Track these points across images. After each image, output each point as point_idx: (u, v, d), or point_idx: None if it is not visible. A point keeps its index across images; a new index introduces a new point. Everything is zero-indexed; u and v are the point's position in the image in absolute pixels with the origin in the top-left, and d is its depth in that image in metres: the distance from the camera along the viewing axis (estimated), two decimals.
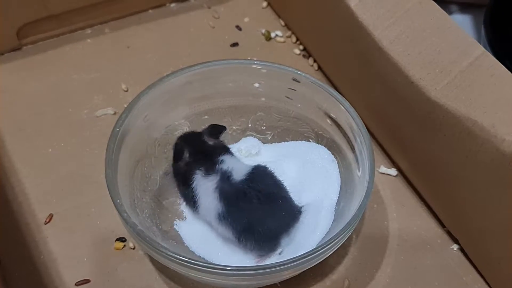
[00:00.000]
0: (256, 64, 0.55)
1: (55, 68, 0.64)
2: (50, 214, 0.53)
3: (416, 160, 0.54)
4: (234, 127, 0.57)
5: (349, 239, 0.53)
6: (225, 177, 0.49)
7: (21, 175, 0.56)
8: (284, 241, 0.49)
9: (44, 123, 0.59)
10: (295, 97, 0.55)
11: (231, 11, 0.71)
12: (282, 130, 0.57)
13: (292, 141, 0.57)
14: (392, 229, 0.54)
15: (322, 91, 0.53)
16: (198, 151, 0.50)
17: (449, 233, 0.54)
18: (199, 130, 0.53)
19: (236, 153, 0.54)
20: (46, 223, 0.53)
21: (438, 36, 0.50)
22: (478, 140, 0.45)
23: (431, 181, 0.53)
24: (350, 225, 0.46)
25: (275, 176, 0.50)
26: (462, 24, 0.70)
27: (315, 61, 0.66)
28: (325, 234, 0.50)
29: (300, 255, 0.44)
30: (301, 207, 0.50)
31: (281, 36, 0.69)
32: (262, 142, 0.57)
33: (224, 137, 0.56)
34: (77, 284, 0.49)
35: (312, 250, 0.44)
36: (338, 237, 0.45)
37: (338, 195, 0.53)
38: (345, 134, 0.53)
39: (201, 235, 0.51)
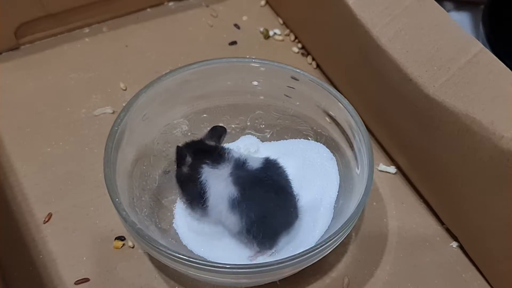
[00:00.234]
0: (254, 62, 0.55)
1: (53, 67, 0.64)
2: (49, 213, 0.53)
3: (415, 157, 0.54)
4: (233, 126, 0.57)
5: (349, 236, 0.53)
6: (240, 163, 0.49)
7: (19, 174, 0.55)
8: (284, 239, 0.49)
9: (43, 122, 0.59)
10: (293, 95, 0.55)
11: (230, 9, 0.71)
12: (281, 128, 0.57)
13: (291, 139, 0.57)
14: (391, 227, 0.54)
15: (321, 89, 0.53)
16: (200, 150, 0.50)
17: (448, 230, 0.54)
18: (199, 137, 0.52)
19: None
20: (45, 222, 0.53)
21: (436, 34, 0.50)
22: (477, 137, 0.45)
23: (430, 179, 0.53)
24: (349, 223, 0.46)
25: (286, 171, 0.50)
26: (460, 22, 0.70)
27: (313, 59, 0.66)
28: (324, 232, 0.50)
29: (299, 253, 0.44)
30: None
31: (280, 35, 0.69)
32: (261, 141, 0.57)
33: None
34: (77, 283, 0.49)
35: (311, 248, 0.44)
36: (337, 235, 0.45)
37: (337, 193, 0.53)
38: (344, 132, 0.53)
39: (199, 233, 0.51)
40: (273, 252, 0.49)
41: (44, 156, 0.57)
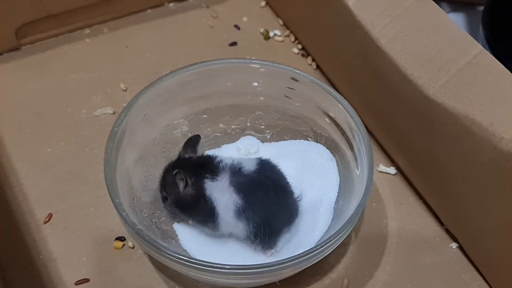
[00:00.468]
0: (254, 63, 0.55)
1: (54, 68, 0.64)
2: (49, 214, 0.53)
3: (415, 158, 0.54)
4: (233, 126, 0.57)
5: (348, 237, 0.53)
6: (236, 169, 0.48)
7: (20, 174, 0.56)
8: (285, 237, 0.49)
9: (43, 123, 0.59)
10: (293, 96, 0.55)
11: (230, 10, 0.71)
12: (281, 129, 0.57)
13: (291, 140, 0.57)
14: (391, 228, 0.54)
15: (321, 90, 0.53)
16: (196, 166, 0.49)
17: (448, 231, 0.54)
18: (175, 157, 0.51)
19: (235, 152, 0.54)
20: (45, 222, 0.53)
21: (436, 35, 0.50)
22: (476, 138, 0.45)
23: (430, 180, 0.53)
24: (349, 223, 0.46)
25: (281, 169, 0.50)
26: (459, 23, 0.70)
27: (313, 60, 0.66)
28: (324, 233, 0.50)
29: (299, 254, 0.44)
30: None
31: (280, 35, 0.69)
32: (261, 141, 0.57)
33: (223, 136, 0.57)
34: (77, 283, 0.49)
35: (311, 248, 0.44)
36: (337, 236, 0.45)
37: (337, 194, 0.53)
38: (343, 133, 0.53)
39: (199, 234, 0.51)
40: (273, 253, 0.49)
41: (45, 156, 0.57)
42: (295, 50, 0.67)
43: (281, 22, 0.70)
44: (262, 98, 0.56)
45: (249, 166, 0.49)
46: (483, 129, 0.45)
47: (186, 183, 0.48)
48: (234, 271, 0.43)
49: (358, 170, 0.51)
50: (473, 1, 0.72)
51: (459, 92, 0.47)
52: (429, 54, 0.49)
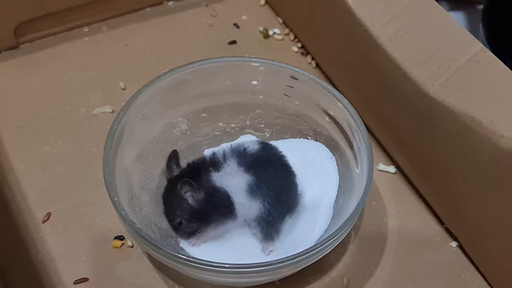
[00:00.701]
0: (254, 61, 0.55)
1: (53, 67, 0.64)
2: (48, 213, 0.53)
3: (415, 157, 0.54)
4: (232, 125, 0.57)
5: (348, 236, 0.53)
6: (241, 151, 0.48)
7: (18, 173, 0.55)
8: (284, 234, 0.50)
9: (42, 122, 0.59)
10: (293, 95, 0.55)
11: (229, 9, 0.71)
12: (280, 128, 0.57)
13: (291, 139, 0.56)
14: (391, 226, 0.54)
15: (320, 89, 0.53)
16: (191, 172, 0.48)
17: (448, 230, 0.54)
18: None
19: None
20: (44, 221, 0.53)
21: (436, 33, 0.50)
22: (477, 136, 0.45)
23: (429, 178, 0.53)
24: (349, 222, 0.46)
25: (281, 151, 0.51)
26: (459, 22, 0.70)
27: (313, 58, 0.66)
28: (324, 232, 0.50)
29: (299, 253, 0.44)
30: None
31: (279, 34, 0.68)
32: (261, 140, 0.57)
33: (222, 135, 0.57)
34: (76, 282, 0.49)
35: (311, 247, 0.44)
36: (337, 235, 0.45)
37: (336, 193, 0.53)
38: (343, 131, 0.53)
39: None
40: (272, 251, 0.49)
41: (43, 155, 0.57)
42: (295, 49, 0.67)
43: (281, 21, 0.70)
44: (261, 97, 0.56)
45: (252, 146, 0.49)
46: (483, 127, 0.45)
47: (192, 190, 0.47)
48: (233, 270, 0.43)
49: (357, 168, 0.51)
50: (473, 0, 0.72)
51: (459, 90, 0.47)
52: (429, 52, 0.49)
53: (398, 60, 0.50)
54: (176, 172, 0.49)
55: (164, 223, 0.51)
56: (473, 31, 0.64)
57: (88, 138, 0.58)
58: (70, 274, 0.50)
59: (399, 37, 0.50)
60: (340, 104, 0.52)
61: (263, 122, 0.57)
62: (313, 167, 0.54)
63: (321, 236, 0.50)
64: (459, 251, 0.53)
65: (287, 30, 0.69)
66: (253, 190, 0.47)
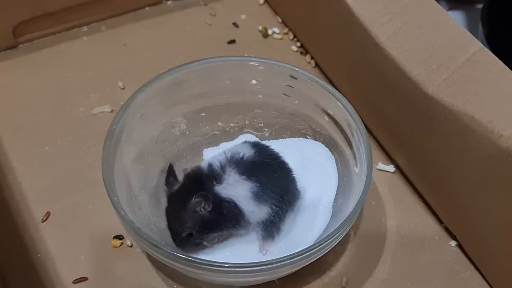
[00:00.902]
0: (253, 61, 0.55)
1: (52, 66, 0.64)
2: (47, 212, 0.53)
3: (414, 156, 0.54)
4: (232, 124, 0.57)
5: (347, 235, 0.53)
6: (239, 159, 0.48)
7: (17, 173, 0.55)
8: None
9: (41, 121, 0.59)
10: (292, 94, 0.55)
11: (228, 8, 0.70)
12: (279, 127, 0.57)
13: (290, 138, 0.56)
14: (390, 226, 0.54)
15: (320, 88, 0.53)
16: (195, 184, 0.48)
17: (447, 229, 0.54)
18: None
19: None
20: (43, 221, 0.53)
21: (435, 32, 0.50)
22: (476, 135, 0.45)
23: (429, 178, 0.53)
24: (348, 221, 0.46)
25: (273, 149, 0.51)
26: (458, 21, 0.70)
27: (312, 58, 0.66)
28: (323, 231, 0.50)
29: (298, 252, 0.44)
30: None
31: (278, 33, 0.68)
32: (260, 139, 0.57)
33: (221, 135, 0.57)
34: (75, 282, 0.49)
35: (310, 246, 0.44)
36: (336, 234, 0.45)
37: (335, 192, 0.53)
38: (342, 131, 0.53)
39: None
40: (268, 250, 0.49)
41: (42, 155, 0.57)
42: (294, 48, 0.67)
43: (280, 20, 0.70)
44: (260, 96, 0.56)
45: (247, 152, 0.49)
46: (482, 126, 0.45)
47: (206, 203, 0.47)
48: (232, 269, 0.43)
49: (357, 168, 0.51)
50: None
51: (458, 90, 0.47)
52: (429, 51, 0.49)
53: (397, 60, 0.50)
54: (176, 186, 0.49)
55: (163, 223, 0.51)
56: (472, 30, 0.64)
57: (87, 137, 0.58)
58: (69, 273, 0.50)
59: (399, 36, 0.50)
60: (339, 103, 0.52)
61: (262, 121, 0.57)
62: (312, 167, 0.54)
63: (320, 236, 0.50)
64: (458, 250, 0.53)
65: (286, 30, 0.69)
66: (260, 196, 0.47)
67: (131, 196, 0.49)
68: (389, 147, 0.58)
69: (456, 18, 0.69)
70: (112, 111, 0.60)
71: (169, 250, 0.43)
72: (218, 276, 0.45)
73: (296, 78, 0.54)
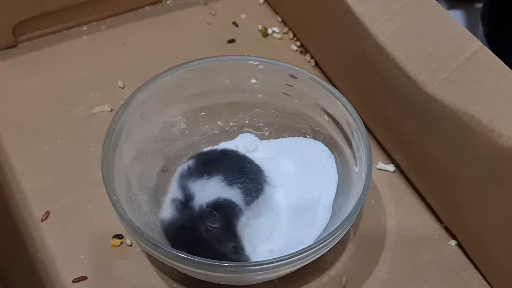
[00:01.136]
0: (253, 60, 0.55)
1: (51, 66, 0.64)
2: (47, 211, 0.53)
3: (414, 156, 0.54)
4: (231, 124, 0.57)
5: (347, 235, 0.53)
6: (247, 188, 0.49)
7: (17, 172, 0.55)
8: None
9: (40, 121, 0.59)
10: (292, 93, 0.55)
11: (228, 7, 0.70)
12: (279, 127, 0.57)
13: (289, 137, 0.56)
14: (390, 225, 0.54)
15: (319, 87, 0.53)
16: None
17: (446, 229, 0.54)
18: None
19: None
20: (43, 220, 0.53)
21: (435, 31, 0.50)
22: (476, 135, 0.45)
23: (428, 177, 0.53)
24: (348, 221, 0.46)
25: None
26: (458, 20, 0.70)
27: (312, 57, 0.66)
28: (323, 230, 0.50)
29: (297, 251, 0.44)
30: None
31: (278, 33, 0.68)
32: (259, 139, 0.57)
33: (221, 134, 0.57)
34: (74, 281, 0.49)
35: (309, 246, 0.44)
36: (335, 233, 0.45)
37: (335, 191, 0.52)
38: (342, 130, 0.53)
39: None
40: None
41: (42, 154, 0.57)
42: (294, 47, 0.67)
43: (280, 19, 0.70)
44: (260, 96, 0.56)
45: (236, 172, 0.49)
46: (482, 126, 0.45)
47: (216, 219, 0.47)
48: (232, 268, 0.43)
49: (356, 167, 0.51)
50: None
51: (458, 89, 0.47)
52: (429, 50, 0.49)
53: (397, 59, 0.50)
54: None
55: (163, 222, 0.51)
56: (472, 29, 0.64)
57: (86, 137, 0.58)
58: (69, 272, 0.50)
59: (398, 35, 0.50)
60: (339, 102, 0.52)
61: (262, 121, 0.57)
62: (312, 166, 0.54)
63: (319, 235, 0.50)
64: (458, 249, 0.53)
65: (286, 29, 0.69)
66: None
67: (130, 195, 0.49)
68: (389, 146, 0.58)
69: (456, 17, 0.69)
70: (111, 110, 0.60)
71: (168, 249, 0.43)
72: (217, 275, 0.45)
73: (295, 78, 0.54)
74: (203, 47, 0.66)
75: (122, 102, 0.51)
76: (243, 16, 0.70)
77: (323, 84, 0.53)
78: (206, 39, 0.67)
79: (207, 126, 0.57)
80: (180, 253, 0.43)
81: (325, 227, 0.50)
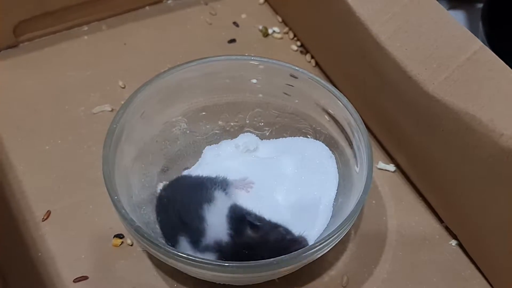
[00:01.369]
0: (253, 60, 0.55)
1: (52, 65, 0.64)
2: (47, 211, 0.53)
3: (414, 155, 0.54)
4: (232, 124, 0.57)
5: (348, 235, 0.53)
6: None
7: (18, 172, 0.55)
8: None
9: (41, 121, 0.59)
10: (292, 93, 0.55)
11: (228, 7, 0.70)
12: (280, 126, 0.57)
13: (290, 137, 0.56)
14: (391, 225, 0.54)
15: (320, 87, 0.53)
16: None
17: (447, 228, 0.54)
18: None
19: (234, 149, 0.54)
20: (43, 220, 0.53)
21: (435, 31, 0.50)
22: (476, 135, 0.45)
23: (429, 177, 0.53)
24: (349, 221, 0.46)
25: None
26: (459, 20, 0.70)
27: (312, 57, 0.66)
28: (323, 230, 0.50)
29: (298, 251, 0.44)
30: None
31: (279, 33, 0.68)
32: (260, 138, 0.57)
33: (221, 134, 0.57)
34: (75, 281, 0.49)
35: (310, 246, 0.44)
36: (336, 233, 0.45)
37: (336, 191, 0.53)
38: (343, 130, 0.53)
39: None
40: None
41: (43, 154, 0.57)
42: (294, 47, 0.67)
43: (280, 19, 0.70)
44: (261, 95, 0.56)
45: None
46: (483, 126, 0.45)
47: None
48: (232, 268, 0.43)
49: (357, 167, 0.51)
50: None
51: (459, 89, 0.47)
52: (429, 50, 0.49)
53: (397, 59, 0.50)
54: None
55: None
56: (472, 29, 0.64)
57: (87, 137, 0.58)
58: (70, 272, 0.50)
59: (399, 35, 0.50)
60: (339, 102, 0.52)
61: (262, 120, 0.57)
62: (312, 166, 0.54)
63: (320, 235, 0.50)
64: (458, 249, 0.53)
65: (286, 29, 0.69)
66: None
67: (131, 195, 0.49)
68: (389, 146, 0.58)
69: (456, 17, 0.69)
70: (112, 110, 0.60)
71: (169, 249, 0.43)
72: (218, 275, 0.45)
73: (296, 77, 0.54)
74: (203, 47, 0.66)
75: (122, 102, 0.51)
76: (243, 16, 0.70)
77: (324, 84, 0.53)
78: (206, 39, 0.67)
79: (208, 126, 0.57)
80: (181, 253, 0.43)
81: (326, 227, 0.50)
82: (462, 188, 0.49)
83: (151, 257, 0.51)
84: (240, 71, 0.55)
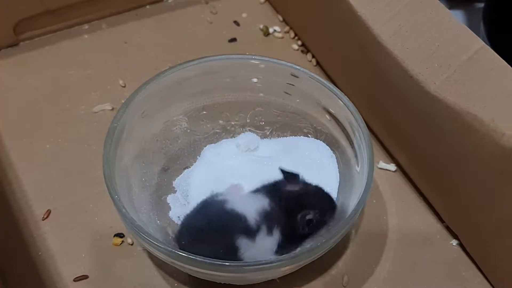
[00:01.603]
0: (254, 59, 0.55)
1: (52, 64, 0.64)
2: (48, 210, 0.53)
3: (415, 155, 0.54)
4: (233, 123, 0.57)
5: (348, 234, 0.53)
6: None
7: (18, 171, 0.55)
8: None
9: (42, 119, 0.59)
10: (293, 93, 0.55)
11: (229, 6, 0.70)
12: (280, 126, 0.57)
13: (291, 137, 0.56)
14: (391, 225, 0.54)
15: (321, 86, 0.53)
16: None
17: (448, 228, 0.54)
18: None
19: (234, 148, 0.54)
20: (43, 219, 0.53)
21: (437, 30, 0.50)
22: (478, 134, 0.45)
23: (430, 176, 0.53)
24: (349, 220, 0.46)
25: None
26: (460, 19, 0.70)
27: (313, 56, 0.66)
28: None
29: (299, 251, 0.44)
30: None
31: (279, 32, 0.68)
32: (261, 138, 0.57)
33: (222, 133, 0.57)
34: (75, 280, 0.49)
35: (311, 245, 0.44)
36: (337, 233, 0.45)
37: (337, 191, 0.52)
38: (344, 129, 0.53)
39: None
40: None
41: (43, 153, 0.57)
42: (295, 46, 0.67)
43: (281, 18, 0.70)
44: (261, 95, 0.56)
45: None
46: (484, 125, 0.44)
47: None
48: (233, 268, 0.43)
49: (358, 166, 0.51)
50: None
51: (460, 88, 0.47)
52: (430, 49, 0.49)
53: (399, 58, 0.49)
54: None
55: (164, 221, 0.51)
56: (474, 28, 0.64)
57: (88, 135, 0.58)
58: (70, 271, 0.50)
59: (400, 34, 0.50)
60: (340, 102, 0.52)
61: (263, 120, 0.57)
62: (313, 165, 0.54)
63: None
64: (459, 249, 0.53)
65: (287, 28, 0.69)
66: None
67: (132, 194, 0.49)
68: (390, 145, 0.58)
69: (457, 17, 0.69)
70: (112, 109, 0.60)
71: (170, 248, 0.43)
72: (218, 275, 0.45)
73: (297, 77, 0.54)
74: (204, 46, 0.66)
75: (123, 101, 0.51)
76: (244, 15, 0.70)
77: (325, 83, 0.53)
78: (207, 38, 0.67)
79: (208, 125, 0.57)
80: (181, 252, 0.43)
81: None
82: (463, 188, 0.49)
83: (151, 256, 0.51)
84: (240, 70, 0.55)
